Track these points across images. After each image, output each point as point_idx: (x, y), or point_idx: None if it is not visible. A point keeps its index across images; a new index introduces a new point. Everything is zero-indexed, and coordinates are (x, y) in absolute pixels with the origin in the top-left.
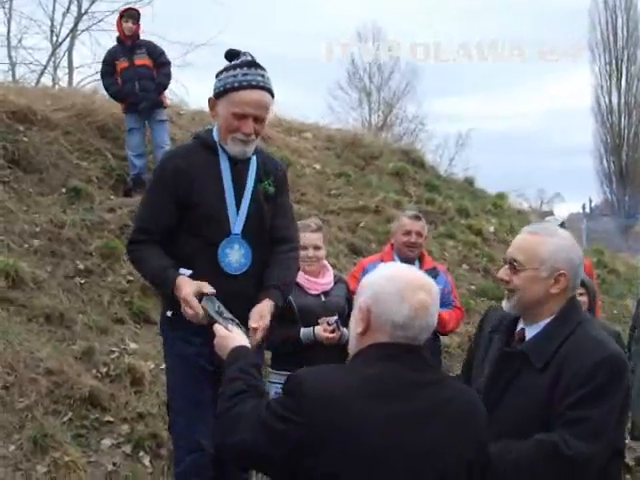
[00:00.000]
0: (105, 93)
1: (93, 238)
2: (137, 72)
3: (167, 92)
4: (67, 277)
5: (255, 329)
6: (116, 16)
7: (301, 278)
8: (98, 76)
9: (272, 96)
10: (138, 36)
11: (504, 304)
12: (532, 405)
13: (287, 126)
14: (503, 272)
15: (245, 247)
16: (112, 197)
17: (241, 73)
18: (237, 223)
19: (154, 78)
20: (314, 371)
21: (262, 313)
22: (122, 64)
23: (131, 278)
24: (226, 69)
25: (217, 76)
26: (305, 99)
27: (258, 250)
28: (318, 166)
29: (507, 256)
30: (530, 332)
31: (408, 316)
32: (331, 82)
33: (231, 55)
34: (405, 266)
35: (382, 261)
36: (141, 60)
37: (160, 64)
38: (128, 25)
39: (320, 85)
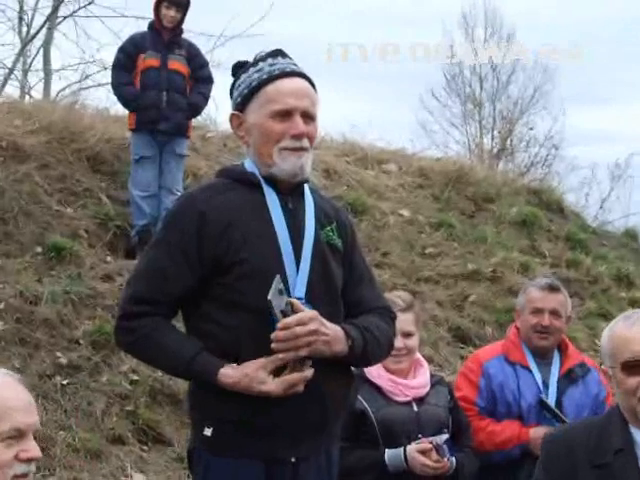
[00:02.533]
0: (99, 100)
1: (81, 319)
2: (168, 78)
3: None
4: (43, 376)
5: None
6: None
7: (384, 379)
8: (86, 83)
9: (314, 88)
10: (181, 30)
11: None
12: None
13: (361, 155)
14: None
15: None
16: (109, 259)
17: (267, 64)
18: (299, 283)
19: (186, 93)
20: None
21: (312, 316)
22: (149, 61)
23: (135, 377)
24: (245, 71)
25: (233, 88)
26: (387, 115)
27: (328, 320)
28: (407, 213)
29: None
30: None
31: None
32: (424, 89)
33: (241, 67)
34: None
35: (505, 355)
36: (176, 63)
37: (199, 79)
38: (170, 13)
39: (408, 94)
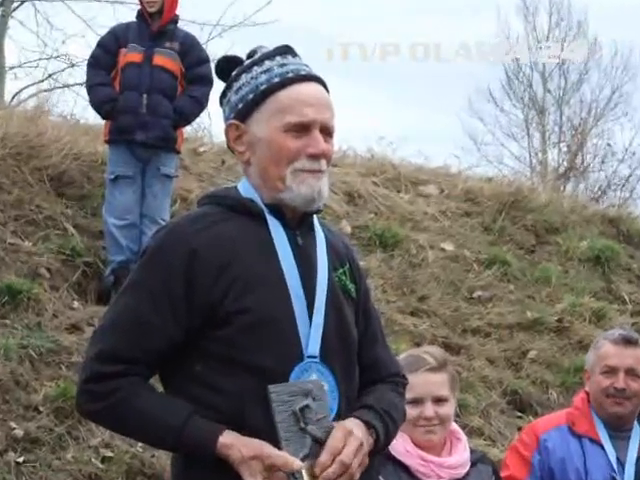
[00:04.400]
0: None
1: (41, 380)
2: (152, 77)
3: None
4: None
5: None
6: None
7: (412, 457)
8: (49, 83)
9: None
10: (175, 18)
11: None
12: None
13: (392, 174)
14: None
15: (329, 379)
16: (76, 304)
17: (277, 64)
18: (312, 337)
19: (175, 97)
20: None
21: (345, 434)
22: (130, 55)
23: (108, 454)
24: (245, 70)
25: (228, 90)
26: (425, 124)
27: (345, 384)
28: (450, 246)
29: None
30: None
31: None
32: (473, 90)
33: (229, 64)
34: None
35: (569, 425)
36: (163, 59)
37: (193, 78)
38: None
39: (451, 99)
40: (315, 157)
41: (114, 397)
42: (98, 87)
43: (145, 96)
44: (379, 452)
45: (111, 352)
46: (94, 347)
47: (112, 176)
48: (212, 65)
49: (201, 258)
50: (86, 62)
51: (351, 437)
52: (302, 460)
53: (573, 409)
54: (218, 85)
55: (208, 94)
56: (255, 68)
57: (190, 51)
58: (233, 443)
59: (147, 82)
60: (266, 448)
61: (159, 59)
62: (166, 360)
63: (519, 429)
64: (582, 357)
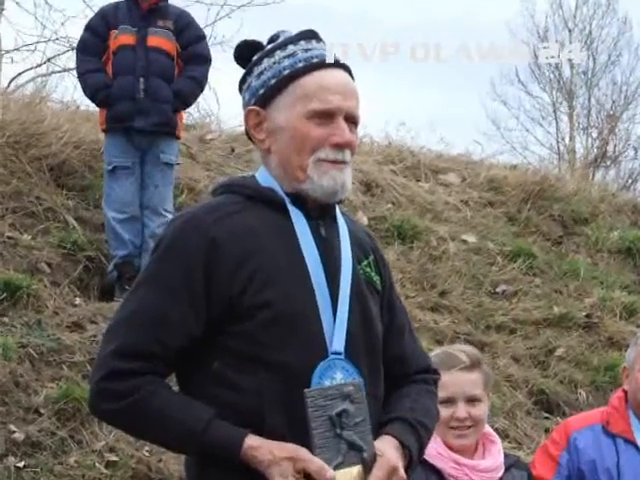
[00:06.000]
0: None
1: (42, 380)
2: (147, 59)
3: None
4: None
5: None
6: None
7: (444, 460)
8: (48, 68)
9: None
10: None
11: None
12: None
13: (411, 162)
14: None
15: (354, 377)
16: (78, 301)
17: (301, 49)
18: (337, 334)
19: (173, 79)
20: None
21: (389, 473)
22: (123, 37)
23: (113, 458)
24: (267, 54)
25: (248, 75)
26: (446, 110)
27: (372, 382)
28: (472, 238)
29: None
30: None
31: None
32: (500, 73)
33: (249, 49)
34: None
35: (604, 425)
36: (158, 39)
37: (190, 57)
38: None
39: (474, 82)
40: (339, 147)
41: (134, 396)
42: (90, 74)
43: (142, 80)
44: (410, 469)
45: (129, 348)
46: (109, 344)
47: (110, 167)
48: (208, 42)
49: (221, 248)
50: (76, 46)
51: (394, 477)
52: (334, 469)
53: (609, 408)
54: (225, 68)
55: (207, 73)
56: (278, 52)
57: (186, 29)
58: (261, 445)
59: (143, 65)
60: (301, 451)
61: (154, 40)
62: (183, 357)
63: (546, 431)
64: (612, 355)
